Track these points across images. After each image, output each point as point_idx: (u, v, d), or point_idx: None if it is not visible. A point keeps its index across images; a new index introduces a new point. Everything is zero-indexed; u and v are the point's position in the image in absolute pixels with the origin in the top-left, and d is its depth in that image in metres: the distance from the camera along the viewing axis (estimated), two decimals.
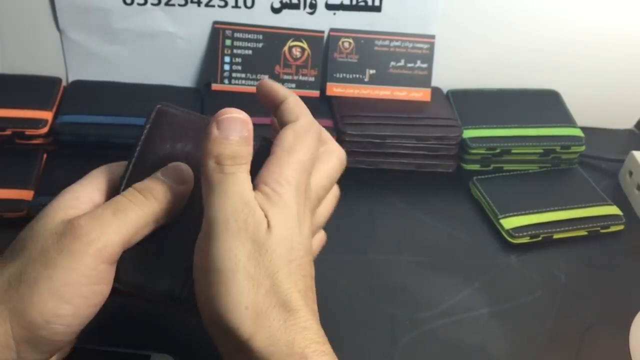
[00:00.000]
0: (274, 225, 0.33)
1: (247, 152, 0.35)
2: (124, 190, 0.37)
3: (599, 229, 0.58)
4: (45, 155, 0.59)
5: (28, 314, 0.32)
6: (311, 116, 0.39)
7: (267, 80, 0.41)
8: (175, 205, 0.36)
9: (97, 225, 0.34)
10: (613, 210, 0.60)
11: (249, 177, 0.35)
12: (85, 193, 0.36)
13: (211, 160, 0.34)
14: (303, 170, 0.36)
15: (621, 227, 0.59)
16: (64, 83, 0.65)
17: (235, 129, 0.35)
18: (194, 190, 0.37)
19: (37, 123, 0.59)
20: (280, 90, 0.40)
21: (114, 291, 0.36)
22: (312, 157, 0.37)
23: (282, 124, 0.38)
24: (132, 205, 0.35)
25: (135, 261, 0.36)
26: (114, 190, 0.37)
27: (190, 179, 0.37)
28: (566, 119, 0.66)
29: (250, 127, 0.35)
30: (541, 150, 0.64)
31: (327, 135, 0.41)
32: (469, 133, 0.64)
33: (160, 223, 0.36)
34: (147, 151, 0.38)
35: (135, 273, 0.36)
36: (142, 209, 0.35)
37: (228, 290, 0.32)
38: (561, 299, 0.52)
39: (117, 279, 0.35)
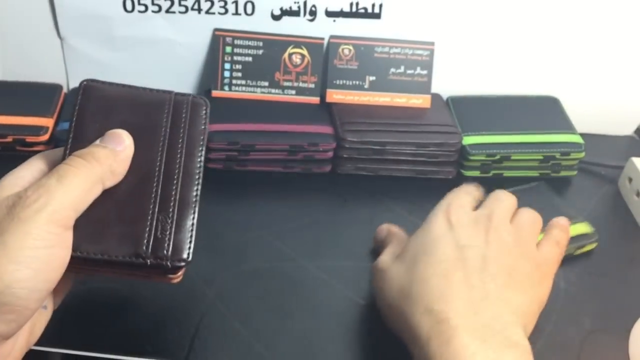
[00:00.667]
0: None
1: None
2: None
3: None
4: None
5: None
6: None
7: None
8: (118, 167, 0.38)
9: (44, 192, 0.34)
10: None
11: None
12: (27, 173, 0.38)
13: None
14: None
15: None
16: (64, 90, 0.66)
17: None
18: (138, 157, 0.39)
19: (38, 130, 0.59)
20: None
21: (77, 261, 0.36)
22: None
23: None
24: (74, 170, 0.36)
25: (92, 228, 0.37)
26: None
27: (129, 141, 0.39)
28: (566, 125, 0.66)
29: None
30: (541, 157, 0.64)
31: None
32: (468, 139, 0.64)
33: (107, 185, 0.38)
34: (83, 127, 0.39)
35: (94, 239, 0.37)
36: (84, 172, 0.36)
37: None
38: (561, 305, 0.52)
39: (75, 247, 0.36)
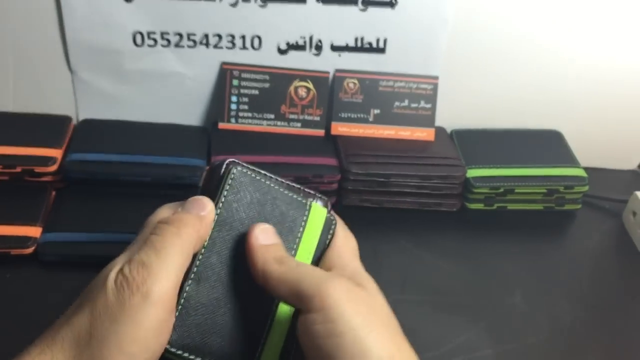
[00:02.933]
0: None
1: (282, 247, 0.38)
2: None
3: None
4: (53, 192, 0.60)
5: None
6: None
7: None
8: (204, 231, 0.37)
9: (147, 274, 0.33)
10: None
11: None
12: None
13: (271, 264, 0.37)
14: None
15: None
16: (74, 122, 0.67)
17: (269, 237, 0.38)
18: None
19: (46, 161, 0.59)
20: None
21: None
22: None
23: None
24: (168, 240, 0.35)
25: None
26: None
27: (211, 206, 0.38)
28: (569, 159, 0.67)
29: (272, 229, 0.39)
30: (545, 190, 0.64)
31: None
32: (472, 172, 0.64)
33: (196, 250, 0.37)
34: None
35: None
36: (178, 243, 0.35)
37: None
38: (567, 340, 0.52)
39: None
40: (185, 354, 0.35)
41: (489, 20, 0.66)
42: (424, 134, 0.68)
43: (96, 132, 0.65)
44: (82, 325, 0.33)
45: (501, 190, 0.64)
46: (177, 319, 0.35)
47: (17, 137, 0.62)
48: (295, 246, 0.40)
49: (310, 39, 0.65)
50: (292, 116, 0.67)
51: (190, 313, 0.36)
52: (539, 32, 0.67)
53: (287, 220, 0.40)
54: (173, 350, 0.35)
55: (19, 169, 0.59)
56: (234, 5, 0.63)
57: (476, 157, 0.66)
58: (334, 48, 0.66)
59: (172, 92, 0.67)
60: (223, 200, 0.38)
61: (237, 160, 0.40)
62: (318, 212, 0.41)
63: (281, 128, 0.67)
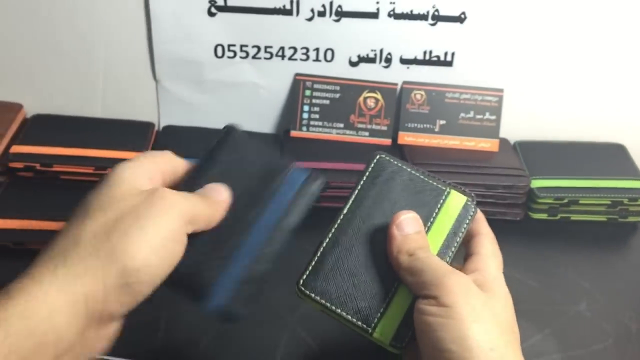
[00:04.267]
0: None
1: (425, 240, 0.42)
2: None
3: None
4: None
5: (121, 260, 0.35)
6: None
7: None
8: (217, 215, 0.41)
9: (178, 196, 0.38)
10: None
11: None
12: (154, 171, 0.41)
13: (404, 255, 0.41)
14: None
15: None
16: (156, 128, 0.71)
17: (410, 226, 0.42)
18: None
19: None
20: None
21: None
22: None
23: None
24: (201, 202, 0.40)
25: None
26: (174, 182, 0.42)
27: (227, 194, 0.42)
28: (633, 171, 0.68)
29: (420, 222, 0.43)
30: (609, 202, 0.65)
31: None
32: (536, 183, 0.66)
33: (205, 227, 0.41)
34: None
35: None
36: (210, 204, 0.41)
37: None
38: (633, 348, 0.53)
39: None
40: (312, 294, 0.42)
41: (554, 36, 0.67)
42: (488, 144, 0.70)
43: (177, 137, 0.69)
44: (98, 226, 0.36)
45: (565, 200, 0.65)
46: (313, 267, 0.42)
47: (106, 141, 0.66)
48: (427, 227, 0.43)
49: (381, 52, 0.68)
50: (360, 125, 0.70)
51: (324, 265, 0.42)
52: (603, 47, 0.68)
53: (422, 201, 0.44)
54: (302, 289, 0.42)
55: (109, 171, 0.63)
56: (309, 19, 0.66)
57: (540, 167, 0.68)
58: (403, 61, 0.69)
59: (247, 101, 0.71)
60: (364, 179, 0.45)
61: (383, 153, 0.46)
62: (456, 198, 0.45)
63: (350, 137, 0.70)
